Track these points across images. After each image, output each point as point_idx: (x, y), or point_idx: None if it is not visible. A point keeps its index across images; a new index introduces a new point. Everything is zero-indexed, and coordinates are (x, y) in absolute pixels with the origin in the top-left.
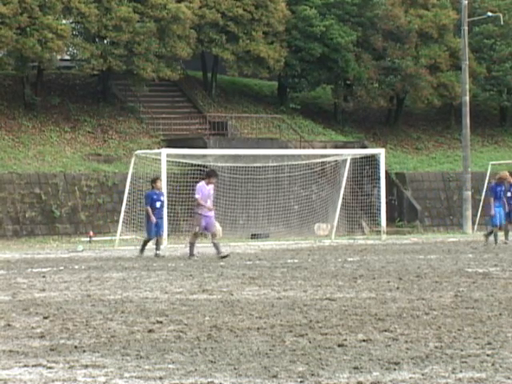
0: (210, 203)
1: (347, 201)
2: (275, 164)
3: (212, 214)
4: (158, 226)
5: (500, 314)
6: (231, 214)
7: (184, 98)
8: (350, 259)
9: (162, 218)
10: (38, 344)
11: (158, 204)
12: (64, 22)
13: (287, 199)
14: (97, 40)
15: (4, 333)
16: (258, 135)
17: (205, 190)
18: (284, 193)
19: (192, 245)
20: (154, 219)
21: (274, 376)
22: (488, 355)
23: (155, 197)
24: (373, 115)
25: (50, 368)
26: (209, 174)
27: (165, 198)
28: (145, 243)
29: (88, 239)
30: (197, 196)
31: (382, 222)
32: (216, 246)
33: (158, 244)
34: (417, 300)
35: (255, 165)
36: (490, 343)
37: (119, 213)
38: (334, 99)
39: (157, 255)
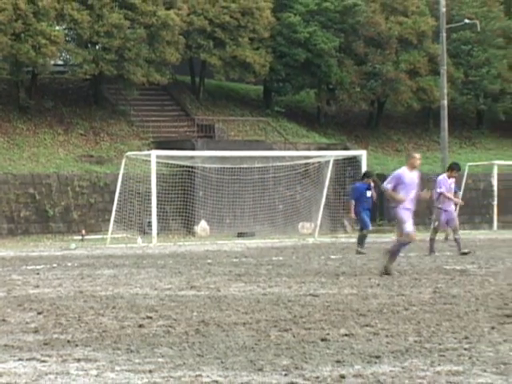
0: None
1: (330, 201)
2: (261, 165)
3: (453, 208)
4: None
5: (477, 310)
6: (218, 213)
7: (173, 101)
8: (332, 257)
9: (370, 209)
10: (32, 338)
11: (368, 192)
12: (57, 28)
13: (272, 199)
14: (89, 46)
15: None
16: (245, 137)
17: (446, 184)
18: (269, 193)
19: (432, 240)
20: (352, 215)
21: (260, 369)
22: (465, 349)
23: (366, 186)
24: (355, 118)
25: (43, 362)
26: (451, 167)
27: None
28: (363, 237)
29: (80, 237)
30: (439, 190)
31: None
32: (457, 241)
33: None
34: (397, 296)
35: (242, 166)
36: (467, 337)
37: (110, 212)
38: (317, 103)
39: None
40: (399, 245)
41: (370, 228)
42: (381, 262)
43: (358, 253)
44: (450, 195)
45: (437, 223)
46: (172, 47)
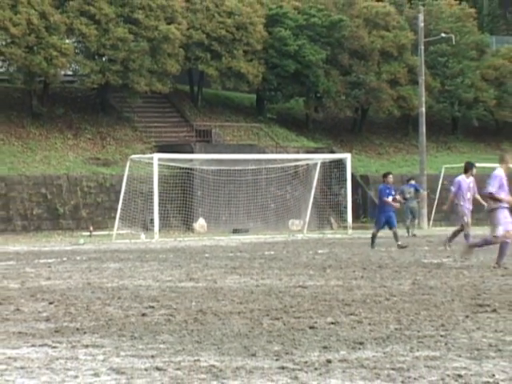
0: (469, 196)
1: (317, 200)
2: (254, 167)
3: (470, 207)
4: (392, 218)
5: (452, 300)
6: (215, 211)
7: (173, 108)
8: (320, 251)
9: (393, 211)
10: (43, 326)
11: (389, 198)
12: (67, 41)
13: (264, 198)
14: (96, 57)
15: (14, 316)
16: (239, 142)
17: (464, 184)
18: (262, 192)
19: (468, 235)
20: (397, 204)
21: (253, 355)
22: (442, 336)
23: (387, 191)
24: (340, 124)
25: (54, 348)
26: (466, 168)
27: (395, 192)
28: (373, 236)
29: (88, 234)
30: (453, 190)
31: (348, 218)
32: (452, 237)
33: (396, 236)
34: (379, 287)
35: (236, 168)
36: (443, 325)
37: (116, 210)
38: (305, 110)
39: (399, 246)
40: (503, 244)
41: (380, 229)
42: (364, 257)
43: (401, 247)
44: (468, 194)
45: (465, 219)
46: (172, 59)
